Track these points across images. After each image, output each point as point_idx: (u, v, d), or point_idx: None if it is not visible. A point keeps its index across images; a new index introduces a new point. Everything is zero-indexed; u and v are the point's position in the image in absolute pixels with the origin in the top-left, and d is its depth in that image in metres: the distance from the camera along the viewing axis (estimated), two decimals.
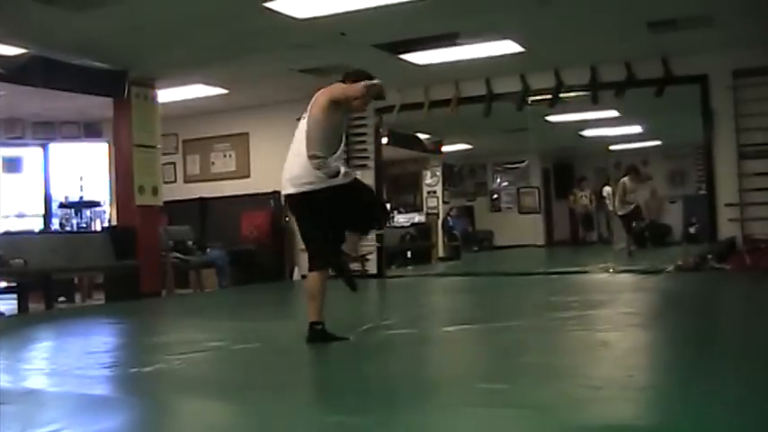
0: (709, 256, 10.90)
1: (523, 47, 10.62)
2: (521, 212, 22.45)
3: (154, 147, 11.54)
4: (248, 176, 14.36)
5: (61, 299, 11.21)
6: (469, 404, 3.61)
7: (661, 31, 10.07)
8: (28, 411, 3.84)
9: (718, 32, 10.21)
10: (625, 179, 14.59)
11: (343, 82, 5.69)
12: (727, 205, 11.11)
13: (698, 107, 11.35)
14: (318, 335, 5.52)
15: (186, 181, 14.99)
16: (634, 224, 14.67)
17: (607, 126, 17.31)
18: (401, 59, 10.90)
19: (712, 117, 11.21)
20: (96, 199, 14.61)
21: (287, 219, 13.64)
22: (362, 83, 5.47)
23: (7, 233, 12.54)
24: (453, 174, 22.03)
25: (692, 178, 21.15)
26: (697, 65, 11.22)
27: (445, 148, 19.36)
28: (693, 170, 20.50)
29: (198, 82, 12.10)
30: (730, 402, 3.47)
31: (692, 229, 19.64)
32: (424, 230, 18.29)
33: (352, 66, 5.90)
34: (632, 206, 14.45)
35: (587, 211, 20.79)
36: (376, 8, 8.56)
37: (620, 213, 14.67)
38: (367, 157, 13.09)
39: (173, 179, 14.70)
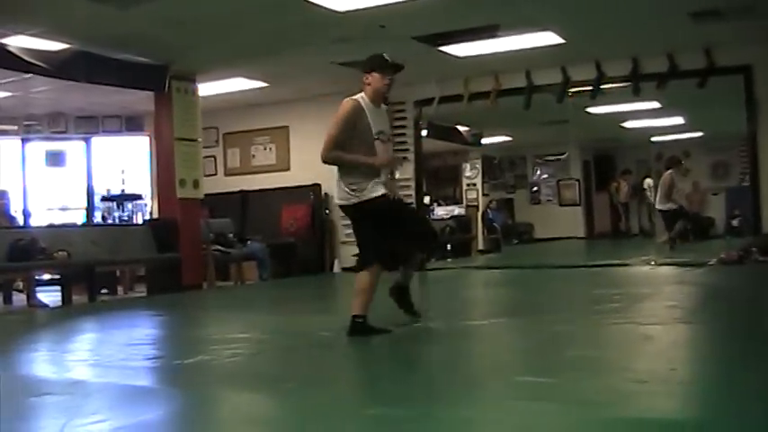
0: (753, 249, 10.75)
1: (564, 38, 10.54)
2: (561, 205, 22.36)
3: (195, 140, 11.61)
4: (288, 169, 14.40)
5: (104, 291, 11.31)
6: (512, 397, 3.60)
7: (704, 22, 9.94)
8: (72, 402, 3.88)
9: (762, 22, 10.05)
10: (671, 172, 13.98)
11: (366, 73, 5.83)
12: None
13: (741, 98, 11.22)
14: (360, 328, 5.54)
15: (227, 174, 15.07)
16: (679, 224, 13.87)
17: (648, 118, 17.16)
18: (441, 51, 10.88)
19: (756, 108, 11.07)
20: (138, 192, 14.76)
21: (327, 211, 13.70)
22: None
23: (51, 226, 12.69)
24: (493, 166, 21.98)
25: (735, 170, 20.94)
26: (741, 55, 11.07)
27: (485, 141, 19.30)
28: (737, 162, 20.30)
29: (238, 75, 12.15)
30: None
31: (735, 222, 19.45)
32: (463, 223, 18.26)
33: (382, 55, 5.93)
34: (676, 205, 13.89)
35: (628, 203, 20.62)
36: (416, 0, 8.54)
37: (662, 209, 14.11)
38: (407, 150, 13.09)
39: (213, 172, 14.79)
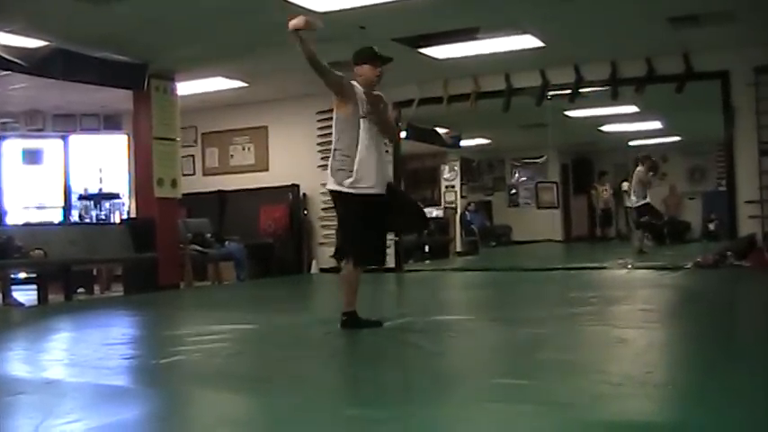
0: (729, 254, 10.85)
1: (543, 42, 10.58)
2: (539, 207, 22.36)
3: (173, 139, 11.58)
4: (267, 170, 14.38)
5: (80, 290, 11.25)
6: (487, 399, 3.61)
7: (682, 27, 10.01)
8: (47, 401, 3.86)
9: (740, 28, 10.14)
10: (642, 168, 14.18)
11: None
12: (747, 202, 11.06)
13: (719, 103, 11.29)
14: (352, 322, 5.78)
15: (205, 174, 15.03)
16: (644, 218, 14.28)
17: (627, 122, 17.25)
18: (421, 54, 10.89)
19: (733, 114, 11.15)
20: (115, 191, 14.69)
21: (305, 212, 13.69)
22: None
23: (27, 224, 12.62)
24: (471, 168, 22.00)
25: (711, 175, 21.06)
26: (718, 61, 11.16)
27: (464, 143, 19.32)
28: (713, 166, 20.41)
29: (217, 75, 12.12)
30: (748, 400, 3.45)
31: (711, 226, 19.55)
32: (441, 225, 18.27)
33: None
34: (646, 200, 14.14)
35: (607, 206, 20.68)
36: (396, 2, 8.55)
37: (637, 205, 14.27)
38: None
39: (192, 172, 14.75)
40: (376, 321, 5.96)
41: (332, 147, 5.97)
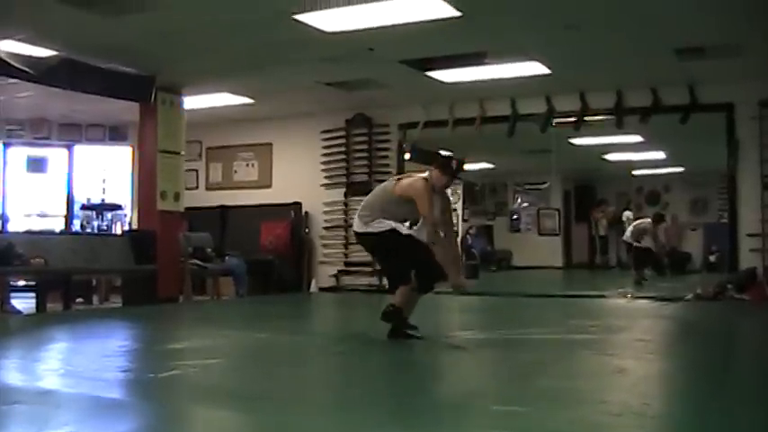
0: (729, 286, 10.83)
1: (550, 69, 10.61)
2: (540, 234, 22.38)
3: (178, 153, 11.60)
4: (270, 186, 14.39)
5: (79, 300, 11.23)
6: (486, 426, 3.59)
7: (688, 59, 10.04)
8: (42, 412, 3.84)
9: (745, 61, 10.17)
10: (652, 225, 14.88)
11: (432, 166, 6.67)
12: (748, 235, 11.05)
13: (723, 136, 11.31)
14: (392, 316, 6.23)
15: (208, 188, 15.04)
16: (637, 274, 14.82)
17: (630, 151, 17.28)
18: (428, 76, 10.92)
19: (737, 146, 11.16)
20: (118, 202, 14.70)
21: (307, 230, 13.69)
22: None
23: (29, 232, 12.60)
24: (474, 192, 21.99)
25: (713, 206, 21.07)
26: (723, 93, 11.18)
27: (467, 167, 19.30)
28: (715, 198, 20.43)
29: (224, 90, 12.16)
30: None
31: (712, 258, 19.55)
32: None
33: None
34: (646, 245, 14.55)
35: (607, 234, 20.71)
36: (405, 24, 8.57)
37: (638, 245, 14.63)
38: (389, 173, 13.08)
39: (195, 186, 14.76)
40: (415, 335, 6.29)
41: (370, 207, 6.49)
